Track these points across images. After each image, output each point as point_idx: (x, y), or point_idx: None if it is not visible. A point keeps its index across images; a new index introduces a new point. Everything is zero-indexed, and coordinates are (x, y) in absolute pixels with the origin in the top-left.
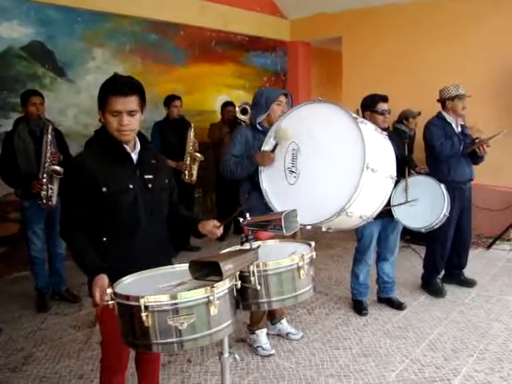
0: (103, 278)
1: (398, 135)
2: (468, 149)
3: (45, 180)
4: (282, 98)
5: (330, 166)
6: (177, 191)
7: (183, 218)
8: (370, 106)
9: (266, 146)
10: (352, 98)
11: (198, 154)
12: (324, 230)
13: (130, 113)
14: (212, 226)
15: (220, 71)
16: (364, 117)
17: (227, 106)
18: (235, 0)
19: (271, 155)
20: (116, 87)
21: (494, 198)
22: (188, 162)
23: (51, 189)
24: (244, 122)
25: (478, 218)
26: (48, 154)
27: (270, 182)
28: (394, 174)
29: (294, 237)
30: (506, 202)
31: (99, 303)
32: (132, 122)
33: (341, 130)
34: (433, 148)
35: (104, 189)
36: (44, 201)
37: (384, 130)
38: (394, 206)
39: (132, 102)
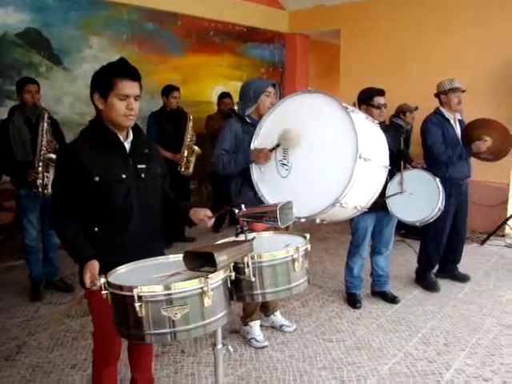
0: (94, 264)
1: (395, 129)
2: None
3: (40, 168)
4: (271, 89)
5: (322, 157)
6: (169, 179)
7: (175, 205)
8: (366, 100)
9: (257, 140)
10: (349, 91)
11: (196, 147)
12: (318, 221)
13: (136, 98)
14: (204, 215)
15: (217, 62)
16: (360, 110)
17: (224, 97)
18: None
19: (269, 154)
20: (126, 71)
21: (488, 194)
22: (185, 155)
23: (47, 177)
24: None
25: (472, 213)
26: (44, 142)
27: (261, 175)
28: (387, 163)
29: (286, 229)
30: (499, 198)
31: (90, 288)
32: (136, 108)
33: (332, 120)
34: (430, 149)
35: (96, 178)
36: (40, 189)
37: (380, 123)
38: (388, 196)
39: (138, 88)
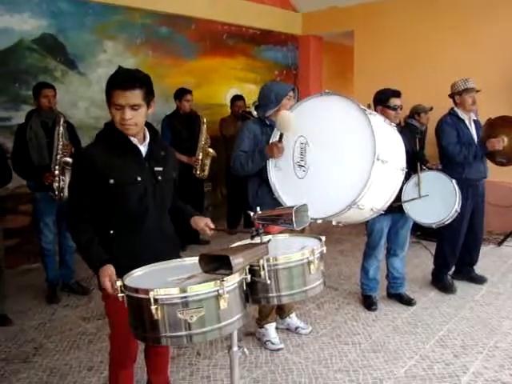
0: (110, 268)
1: (410, 130)
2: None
3: (57, 172)
4: (291, 93)
5: (340, 159)
6: (177, 184)
7: (178, 208)
8: (382, 101)
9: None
10: (363, 92)
11: (211, 150)
12: (334, 223)
13: (133, 107)
14: (204, 225)
15: (231, 65)
16: (376, 111)
17: (237, 100)
18: None
19: (279, 145)
20: (117, 81)
21: (505, 195)
22: (200, 157)
23: (63, 180)
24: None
25: (488, 214)
26: (60, 146)
27: (278, 176)
28: (404, 165)
29: (302, 231)
30: None
31: (111, 292)
32: (135, 117)
33: (350, 122)
34: (446, 150)
35: (111, 180)
36: (56, 193)
37: (396, 125)
38: (405, 201)
39: (135, 96)
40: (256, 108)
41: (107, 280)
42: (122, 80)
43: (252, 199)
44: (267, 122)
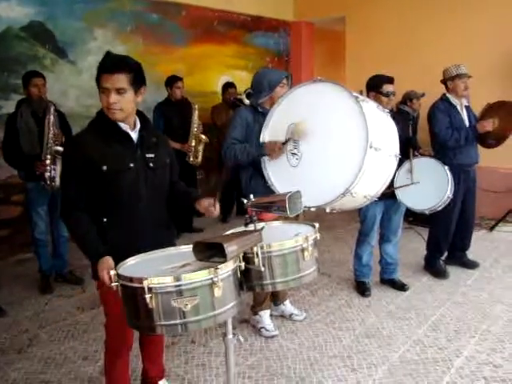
0: (108, 260)
1: (402, 117)
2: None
3: (48, 161)
4: (285, 80)
5: (333, 147)
6: (178, 171)
7: (181, 193)
8: (375, 87)
9: (266, 131)
10: (355, 78)
11: (203, 136)
12: (328, 211)
13: (118, 91)
14: (208, 203)
15: (222, 52)
16: (368, 97)
17: (228, 87)
18: None
19: (282, 148)
20: (104, 65)
21: (497, 180)
22: (193, 144)
23: (54, 169)
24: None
25: (480, 200)
26: (50, 135)
27: (272, 165)
28: (398, 152)
29: (296, 218)
30: (508, 184)
31: (108, 285)
32: (120, 101)
33: (342, 110)
34: (437, 136)
35: (104, 167)
36: (48, 182)
37: (389, 111)
38: (397, 187)
39: (119, 80)
40: (248, 95)
41: (106, 273)
42: (109, 64)
43: (245, 188)
44: (260, 110)
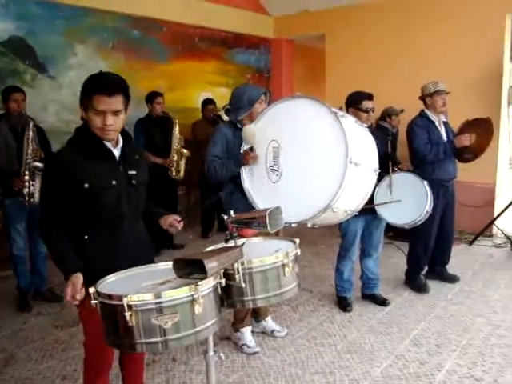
0: (77, 277)
1: (382, 132)
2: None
3: (27, 177)
4: (263, 97)
5: (313, 163)
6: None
7: (150, 211)
8: (354, 103)
9: (246, 146)
10: (336, 95)
11: (185, 150)
12: (309, 226)
13: (115, 113)
14: (173, 219)
15: (203, 68)
16: (348, 113)
17: (208, 103)
18: None
19: (251, 154)
20: (102, 86)
21: (475, 195)
22: (175, 159)
23: (33, 185)
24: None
25: (459, 214)
26: (29, 151)
27: (252, 181)
28: (377, 166)
29: (277, 234)
30: (486, 198)
31: (69, 301)
32: (116, 122)
33: (321, 125)
34: (416, 151)
35: (86, 185)
36: (26, 198)
37: (367, 127)
38: (377, 204)
39: (117, 102)
40: (226, 112)
41: (69, 289)
42: (108, 85)
43: (226, 204)
44: (239, 126)
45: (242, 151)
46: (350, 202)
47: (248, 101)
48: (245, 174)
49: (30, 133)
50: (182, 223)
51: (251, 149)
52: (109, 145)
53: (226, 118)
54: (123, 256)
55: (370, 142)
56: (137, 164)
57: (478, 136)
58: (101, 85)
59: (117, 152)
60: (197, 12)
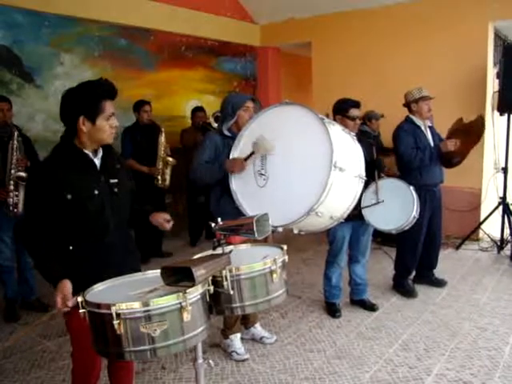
0: (65, 284)
1: (366, 136)
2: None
3: (11, 187)
4: (249, 104)
5: (299, 167)
6: (136, 194)
7: (138, 211)
8: (341, 111)
9: (236, 152)
10: (322, 102)
11: (170, 158)
12: (296, 232)
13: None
14: (163, 219)
15: (190, 76)
16: (335, 121)
17: (197, 111)
18: (205, 5)
19: (243, 163)
20: (108, 91)
21: (462, 199)
22: (160, 167)
23: (17, 196)
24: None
25: (446, 219)
26: (14, 161)
27: (240, 185)
28: (363, 173)
29: (265, 240)
30: (472, 203)
31: (60, 308)
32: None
33: (308, 131)
34: (402, 156)
35: (68, 196)
36: (10, 208)
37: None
38: (364, 207)
39: (114, 105)
40: (216, 119)
41: (60, 298)
42: (114, 91)
43: (214, 208)
44: (227, 134)
45: (230, 158)
46: (335, 208)
47: (232, 108)
48: (232, 177)
49: (15, 142)
50: (171, 223)
51: (249, 156)
52: (90, 155)
53: (215, 124)
54: (109, 264)
55: (357, 150)
56: (118, 172)
57: (462, 142)
58: (107, 90)
59: (97, 161)
60: (184, 21)
